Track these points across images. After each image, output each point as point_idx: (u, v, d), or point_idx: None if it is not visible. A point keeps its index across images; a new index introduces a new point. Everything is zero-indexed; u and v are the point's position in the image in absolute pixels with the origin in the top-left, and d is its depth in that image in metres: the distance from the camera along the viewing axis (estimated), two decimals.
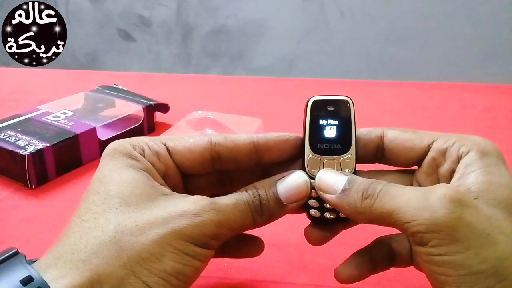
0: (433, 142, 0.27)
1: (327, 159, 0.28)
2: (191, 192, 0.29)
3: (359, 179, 0.26)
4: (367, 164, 0.30)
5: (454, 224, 0.22)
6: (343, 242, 0.30)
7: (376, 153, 0.29)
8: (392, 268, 0.29)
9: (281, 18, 1.70)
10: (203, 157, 0.28)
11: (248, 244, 0.31)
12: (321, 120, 0.28)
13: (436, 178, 0.28)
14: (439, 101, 0.71)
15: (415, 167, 0.29)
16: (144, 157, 0.27)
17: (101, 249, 0.22)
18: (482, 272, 0.21)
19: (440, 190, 0.23)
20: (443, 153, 0.27)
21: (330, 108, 0.28)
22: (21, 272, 0.22)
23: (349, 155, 0.28)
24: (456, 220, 0.22)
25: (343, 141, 0.28)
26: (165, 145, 0.28)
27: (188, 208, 0.24)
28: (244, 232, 0.28)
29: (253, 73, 1.76)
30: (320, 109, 0.28)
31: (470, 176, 0.25)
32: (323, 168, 0.28)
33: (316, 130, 0.28)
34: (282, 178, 0.27)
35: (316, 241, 0.29)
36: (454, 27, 1.58)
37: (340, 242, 0.30)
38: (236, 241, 0.30)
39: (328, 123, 0.28)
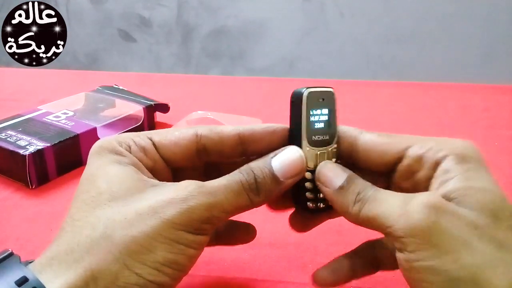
0: (408, 148, 0.27)
1: (320, 151, 0.28)
2: None
3: (357, 180, 0.26)
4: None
5: (429, 229, 0.22)
6: (343, 241, 0.30)
7: (351, 154, 0.28)
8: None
9: (281, 18, 1.70)
10: (189, 150, 0.27)
11: (241, 230, 0.30)
12: (315, 112, 0.28)
13: (414, 182, 0.27)
14: (438, 101, 0.71)
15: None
16: (131, 153, 0.26)
17: (93, 246, 0.22)
18: (461, 279, 0.21)
19: (420, 197, 0.23)
20: (419, 159, 0.26)
21: (321, 100, 0.28)
22: (16, 273, 0.22)
23: (335, 145, 0.28)
24: (432, 225, 0.22)
25: (331, 132, 0.28)
26: (151, 140, 0.28)
27: (175, 195, 0.24)
28: (236, 219, 0.28)
29: (253, 73, 1.76)
30: (314, 101, 0.27)
31: (449, 183, 0.24)
32: (318, 160, 0.27)
33: (311, 122, 0.28)
34: (276, 155, 0.26)
35: (301, 229, 0.30)
36: (454, 27, 1.58)
37: (339, 242, 0.30)
38: (228, 228, 0.30)
39: (321, 115, 0.28)
